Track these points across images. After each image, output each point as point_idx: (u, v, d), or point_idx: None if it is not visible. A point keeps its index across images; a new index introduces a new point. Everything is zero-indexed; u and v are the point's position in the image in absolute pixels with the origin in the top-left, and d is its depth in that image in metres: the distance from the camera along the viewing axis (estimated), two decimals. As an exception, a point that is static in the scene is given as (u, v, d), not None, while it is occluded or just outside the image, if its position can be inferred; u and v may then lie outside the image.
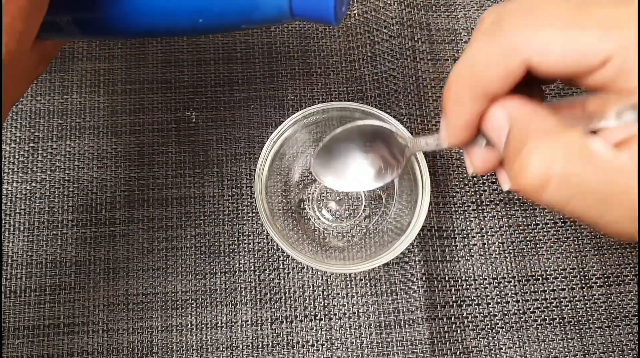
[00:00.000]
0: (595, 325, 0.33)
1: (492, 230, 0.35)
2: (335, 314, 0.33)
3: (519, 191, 0.21)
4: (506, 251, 0.34)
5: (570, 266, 0.34)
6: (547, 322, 0.33)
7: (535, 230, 0.35)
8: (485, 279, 0.34)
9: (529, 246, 0.34)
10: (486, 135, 0.24)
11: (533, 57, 0.22)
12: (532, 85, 0.25)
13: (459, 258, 0.34)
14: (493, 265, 0.34)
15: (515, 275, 0.34)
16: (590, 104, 0.22)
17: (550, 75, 0.22)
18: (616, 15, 0.21)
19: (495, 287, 0.34)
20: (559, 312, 0.33)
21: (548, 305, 0.33)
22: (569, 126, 0.21)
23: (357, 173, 0.30)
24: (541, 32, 0.21)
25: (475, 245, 0.34)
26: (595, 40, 0.21)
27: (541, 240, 0.34)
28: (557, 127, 0.21)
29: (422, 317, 0.33)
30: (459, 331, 0.33)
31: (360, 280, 0.34)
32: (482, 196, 0.35)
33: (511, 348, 0.33)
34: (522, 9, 0.22)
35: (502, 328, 0.33)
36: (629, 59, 0.20)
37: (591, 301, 0.34)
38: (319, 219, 0.35)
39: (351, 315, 0.33)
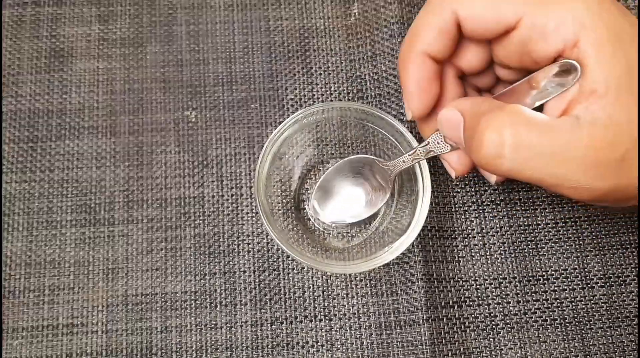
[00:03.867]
0: (597, 326, 0.33)
1: (493, 230, 0.35)
2: (335, 315, 0.33)
3: (482, 163, 0.24)
4: (507, 252, 0.34)
5: (572, 267, 0.34)
6: (548, 322, 0.33)
7: (536, 230, 0.35)
8: (486, 279, 0.34)
9: (529, 247, 0.34)
10: (447, 136, 0.27)
11: (459, 11, 0.25)
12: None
13: (460, 259, 0.34)
14: (494, 265, 0.34)
15: (516, 275, 0.34)
16: (530, 79, 0.26)
17: (477, 32, 0.26)
18: None
19: (496, 288, 0.34)
20: (560, 313, 0.33)
21: (549, 305, 0.33)
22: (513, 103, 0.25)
23: (352, 205, 0.33)
24: None
25: (476, 245, 0.34)
26: (508, 1, 0.25)
27: (542, 240, 0.34)
28: (502, 104, 0.24)
29: (423, 317, 0.33)
30: (459, 332, 0.33)
31: (361, 280, 0.34)
32: (483, 196, 0.35)
33: (512, 349, 0.33)
34: None
35: (502, 328, 0.33)
36: (537, 20, 0.24)
37: (592, 301, 0.33)
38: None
39: (351, 316, 0.33)
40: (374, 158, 0.32)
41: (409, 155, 0.30)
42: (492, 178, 0.29)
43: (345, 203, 0.33)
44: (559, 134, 0.22)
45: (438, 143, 0.28)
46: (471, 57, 0.28)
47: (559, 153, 0.22)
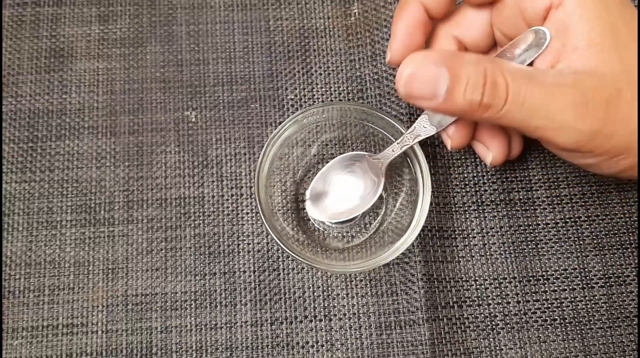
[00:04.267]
0: (597, 326, 0.33)
1: (493, 230, 0.35)
2: (335, 315, 0.33)
3: (493, 106, 0.24)
4: (507, 252, 0.34)
5: (572, 267, 0.34)
6: (548, 322, 0.33)
7: (536, 230, 0.35)
8: (486, 280, 0.34)
9: (529, 247, 0.34)
10: (413, 95, 0.25)
11: None
12: None
13: (460, 259, 0.34)
14: (494, 265, 0.34)
15: (516, 275, 0.34)
16: (506, 48, 0.27)
17: None
18: None
19: (496, 288, 0.34)
20: (560, 313, 0.33)
21: (549, 305, 0.33)
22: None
23: (347, 203, 0.33)
24: None
25: (476, 245, 0.34)
26: None
27: (542, 240, 0.34)
28: (488, 57, 0.25)
29: (423, 317, 0.33)
30: (459, 332, 0.33)
31: (361, 280, 0.34)
32: (483, 197, 0.35)
33: (512, 349, 0.33)
34: None
35: (502, 328, 0.33)
36: None
37: (592, 301, 0.33)
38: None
39: (351, 316, 0.33)
40: (365, 153, 0.32)
41: (397, 143, 0.30)
42: (488, 158, 0.30)
43: (339, 200, 0.33)
44: (545, 78, 0.24)
45: (424, 127, 0.29)
46: (472, 26, 0.29)
47: (548, 92, 0.23)
